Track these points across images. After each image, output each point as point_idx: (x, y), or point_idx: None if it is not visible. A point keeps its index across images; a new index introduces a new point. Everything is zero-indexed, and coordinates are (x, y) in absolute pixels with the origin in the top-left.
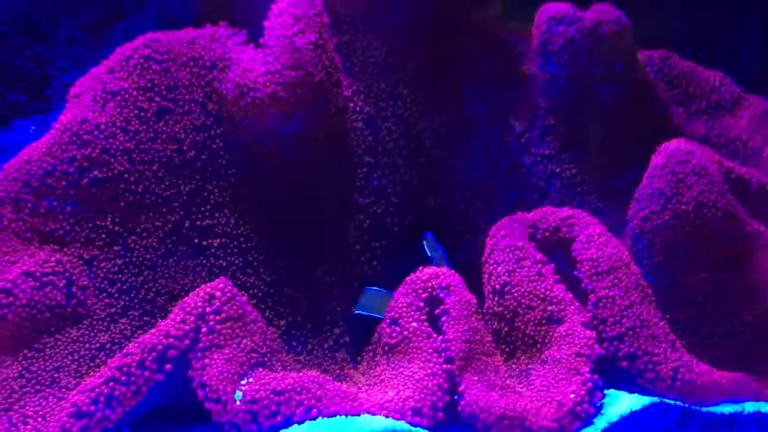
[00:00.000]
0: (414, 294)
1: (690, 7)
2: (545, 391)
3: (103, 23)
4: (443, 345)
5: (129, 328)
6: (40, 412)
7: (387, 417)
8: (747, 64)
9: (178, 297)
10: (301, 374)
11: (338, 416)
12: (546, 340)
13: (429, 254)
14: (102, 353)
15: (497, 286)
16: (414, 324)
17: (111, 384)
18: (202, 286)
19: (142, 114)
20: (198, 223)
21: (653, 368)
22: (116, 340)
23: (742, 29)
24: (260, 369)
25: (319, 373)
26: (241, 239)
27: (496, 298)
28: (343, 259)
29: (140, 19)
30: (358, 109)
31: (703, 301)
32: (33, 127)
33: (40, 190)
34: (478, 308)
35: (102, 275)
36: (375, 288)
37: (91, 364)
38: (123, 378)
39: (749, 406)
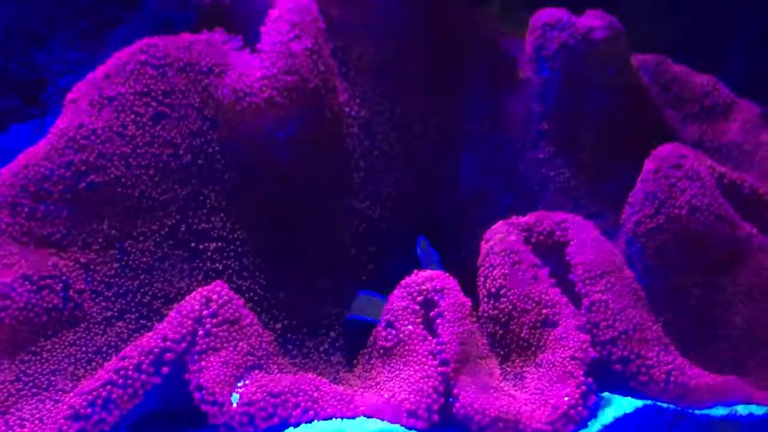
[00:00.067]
0: (409, 297)
1: (680, 13)
2: (540, 393)
3: (99, 28)
4: (438, 347)
5: (126, 331)
6: (37, 415)
7: (383, 419)
8: (735, 69)
9: (174, 300)
10: (297, 376)
11: (334, 419)
12: (541, 344)
13: (422, 259)
14: (99, 356)
15: (492, 290)
16: (410, 327)
17: (108, 387)
18: (199, 289)
19: (139, 119)
20: (194, 227)
21: (646, 371)
22: (113, 344)
23: (731, 35)
24: (256, 372)
25: (315, 376)
26: (237, 243)
27: (492, 301)
28: (339, 263)
29: (136, 24)
30: (353, 113)
31: (696, 304)
32: (29, 132)
33: (38, 194)
34: (473, 311)
35: (99, 279)
36: (368, 292)
37: (88, 367)
38: (120, 381)
39: (741, 409)
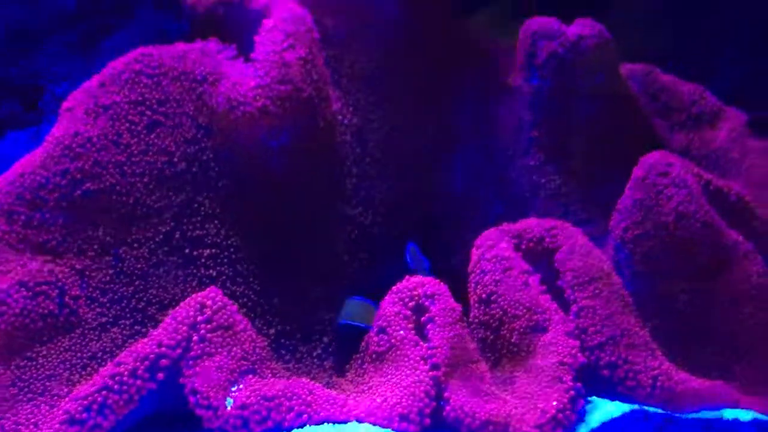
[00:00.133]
0: (401, 303)
1: (671, 21)
2: (529, 398)
3: (94, 37)
4: (429, 352)
5: (120, 337)
6: (32, 420)
7: (375, 423)
8: (725, 77)
9: (168, 306)
10: (291, 381)
11: (327, 422)
12: (530, 349)
13: (412, 265)
14: (94, 362)
15: (483, 295)
16: (401, 332)
17: (104, 392)
18: (193, 295)
19: (134, 127)
20: (189, 233)
21: (633, 376)
22: (108, 349)
23: (722, 43)
24: (250, 376)
25: (308, 380)
26: (231, 250)
27: (483, 307)
28: (332, 269)
29: (131, 33)
30: (346, 121)
31: (683, 309)
32: (26, 139)
33: (34, 202)
34: (464, 316)
35: (94, 285)
36: (359, 298)
37: (83, 373)
38: (116, 386)
39: (727, 414)
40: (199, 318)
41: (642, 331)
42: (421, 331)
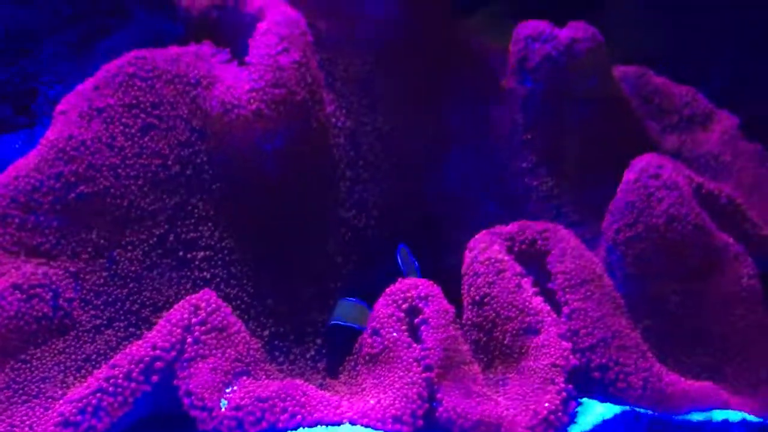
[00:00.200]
0: (394, 305)
1: (665, 22)
2: (521, 399)
3: (88, 39)
4: (422, 353)
5: (115, 339)
6: (27, 422)
7: (368, 425)
8: (717, 81)
9: (162, 309)
10: (284, 382)
11: (321, 424)
12: (523, 351)
13: (402, 267)
14: (88, 364)
15: (477, 297)
16: (394, 334)
17: (98, 394)
18: (187, 297)
19: (128, 130)
20: (183, 236)
21: (624, 378)
22: (102, 352)
23: (713, 46)
24: (244, 378)
25: (302, 381)
26: (225, 252)
27: (476, 309)
28: (325, 271)
29: (125, 36)
30: (339, 124)
31: (674, 311)
32: (18, 143)
33: (28, 205)
34: (457, 318)
35: (88, 287)
36: (350, 299)
37: (78, 375)
38: (110, 389)
39: (717, 415)
40: (193, 320)
41: (633, 333)
42: (414, 332)
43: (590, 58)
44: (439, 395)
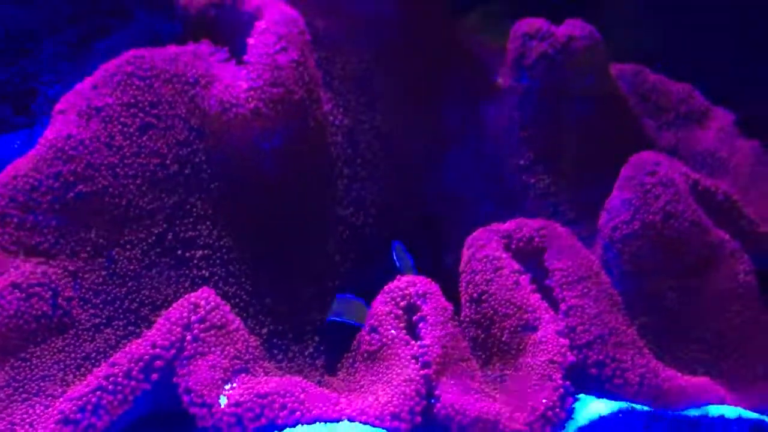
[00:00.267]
0: (393, 302)
1: (660, 23)
2: (519, 396)
3: (87, 39)
4: (420, 350)
5: (114, 337)
6: (27, 420)
7: (367, 421)
8: (713, 79)
9: (161, 307)
10: (283, 379)
11: (319, 421)
12: (521, 347)
13: (398, 263)
14: (88, 362)
15: (475, 295)
16: (393, 331)
17: (98, 393)
18: (186, 296)
19: (126, 129)
20: (181, 235)
21: (621, 374)
22: (101, 350)
23: (712, 45)
24: (243, 375)
25: (301, 378)
26: (224, 250)
27: (474, 306)
28: (324, 269)
29: (123, 35)
30: (337, 122)
31: (670, 307)
32: (18, 142)
33: (27, 205)
34: (455, 315)
35: (87, 286)
36: (348, 295)
37: (77, 373)
38: (110, 387)
39: (713, 410)
40: (193, 318)
41: (630, 330)
42: (412, 330)
43: (587, 56)
44: (437, 392)
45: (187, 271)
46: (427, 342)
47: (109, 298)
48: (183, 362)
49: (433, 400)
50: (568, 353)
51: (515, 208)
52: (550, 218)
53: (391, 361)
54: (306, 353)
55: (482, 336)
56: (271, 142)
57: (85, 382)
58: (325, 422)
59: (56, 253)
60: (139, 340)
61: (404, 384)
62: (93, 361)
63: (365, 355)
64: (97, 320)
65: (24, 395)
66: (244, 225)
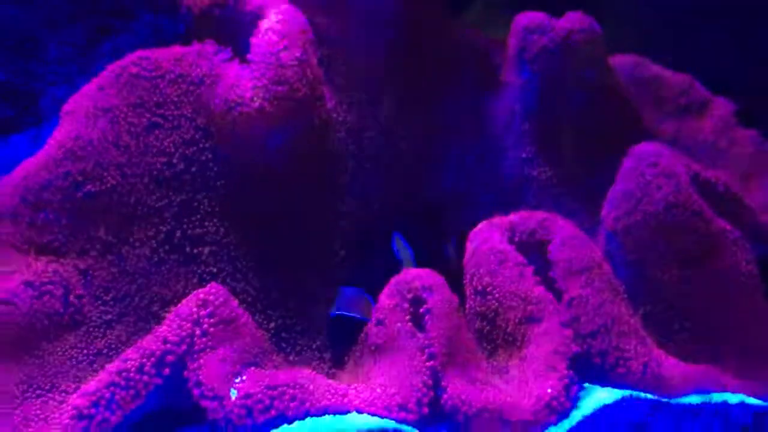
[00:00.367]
0: (399, 295)
1: (659, 13)
2: (524, 385)
3: (93, 40)
4: (426, 342)
5: (125, 333)
6: (41, 416)
7: (375, 413)
8: (716, 70)
9: (170, 303)
10: (293, 371)
11: (328, 412)
12: (526, 338)
13: (397, 254)
14: (100, 358)
15: (479, 287)
16: (399, 324)
17: (111, 388)
18: (195, 292)
19: (133, 129)
20: (189, 232)
21: (624, 363)
22: (113, 346)
23: (710, 38)
24: (253, 368)
25: (310, 370)
26: (231, 247)
27: (479, 298)
28: (329, 264)
29: (130, 36)
30: (340, 119)
31: (673, 296)
32: (27, 141)
33: (37, 204)
34: (460, 307)
35: (97, 284)
36: (352, 289)
37: (90, 369)
38: (122, 382)
39: (716, 397)
40: (202, 313)
41: (632, 319)
42: (418, 322)
43: (587, 49)
44: (443, 383)
45: (195, 268)
46: (433, 334)
47: (119, 294)
48: (193, 356)
49: (439, 391)
50: (572, 343)
51: (517, 201)
52: (552, 210)
53: (398, 353)
54: (314, 346)
55: (488, 328)
56: (276, 139)
57: (98, 378)
58: (334, 413)
59: (67, 251)
60: (150, 336)
61: (411, 375)
62: (105, 356)
63: (373, 347)
64: (108, 317)
65: (38, 391)
66: (251, 221)
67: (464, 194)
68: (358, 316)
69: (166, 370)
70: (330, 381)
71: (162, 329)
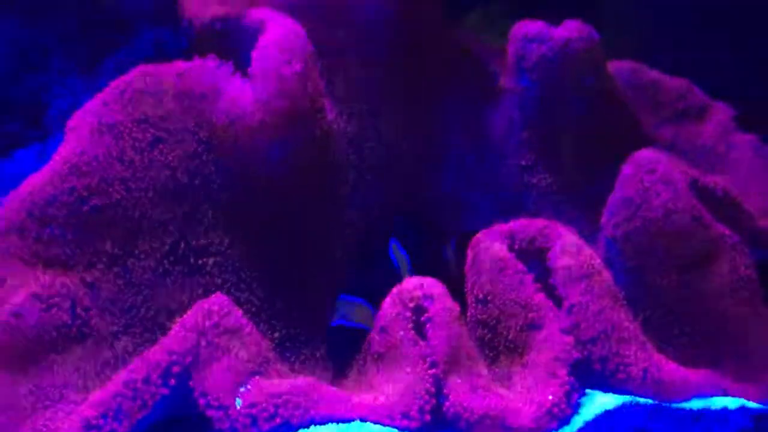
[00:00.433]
0: (401, 304)
1: (659, 18)
2: (525, 392)
3: (97, 54)
4: (429, 350)
5: (131, 344)
6: (50, 427)
7: (378, 420)
8: (715, 75)
9: (176, 313)
10: (297, 379)
11: (332, 420)
12: (527, 345)
13: (394, 261)
14: (107, 369)
15: (480, 295)
16: (401, 332)
17: (118, 399)
18: (200, 302)
19: (137, 144)
20: (193, 243)
21: (624, 369)
22: (120, 356)
23: (709, 44)
24: (257, 377)
25: (314, 379)
26: (235, 257)
27: (480, 306)
28: (331, 273)
29: (133, 50)
30: (341, 130)
31: (672, 302)
32: (32, 156)
33: (43, 219)
34: (462, 315)
35: (104, 296)
36: (351, 298)
37: (97, 380)
38: (129, 393)
39: (716, 402)
40: (207, 323)
41: (632, 325)
42: (420, 330)
43: (586, 57)
44: (445, 390)
45: (200, 279)
46: (434, 342)
47: (125, 306)
48: (199, 366)
49: (441, 399)
50: (573, 350)
51: (517, 208)
52: (552, 217)
53: (401, 361)
54: (317, 355)
55: (489, 335)
56: (278, 151)
57: (105, 389)
58: (338, 421)
59: (74, 264)
60: (156, 347)
61: (414, 383)
62: (112, 367)
63: (375, 355)
64: (115, 328)
65: (46, 402)
66: (254, 232)
67: (465, 202)
68: (359, 324)
69: (172, 381)
70: (334, 389)
71: (168, 340)
